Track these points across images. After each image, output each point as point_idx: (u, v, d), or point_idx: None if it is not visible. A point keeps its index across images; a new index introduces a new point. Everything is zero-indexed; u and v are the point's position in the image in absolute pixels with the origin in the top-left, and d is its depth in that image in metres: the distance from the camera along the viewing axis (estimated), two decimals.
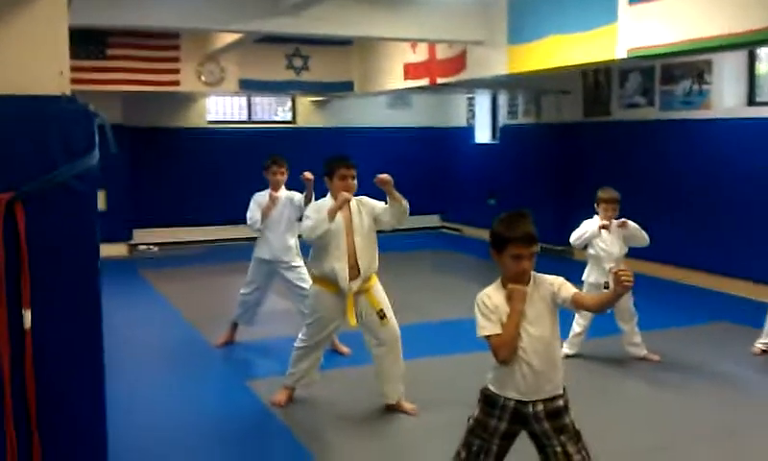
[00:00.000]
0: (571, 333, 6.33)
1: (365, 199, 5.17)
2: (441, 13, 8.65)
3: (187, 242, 13.16)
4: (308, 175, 6.18)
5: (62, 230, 3.07)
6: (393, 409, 5.17)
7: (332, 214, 4.93)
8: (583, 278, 6.27)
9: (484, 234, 15.00)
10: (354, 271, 4.99)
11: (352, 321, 5.07)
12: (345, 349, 6.44)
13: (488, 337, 3.26)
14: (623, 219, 6.23)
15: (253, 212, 6.65)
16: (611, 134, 10.79)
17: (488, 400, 3.37)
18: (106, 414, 3.19)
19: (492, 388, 3.36)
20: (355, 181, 5.08)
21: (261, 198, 6.70)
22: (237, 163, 13.48)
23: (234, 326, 6.92)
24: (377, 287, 5.15)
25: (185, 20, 8.26)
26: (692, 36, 6.41)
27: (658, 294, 8.55)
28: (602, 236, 6.19)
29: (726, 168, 9.02)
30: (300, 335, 5.30)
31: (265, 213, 6.58)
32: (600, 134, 11.02)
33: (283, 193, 6.66)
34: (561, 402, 3.29)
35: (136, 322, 7.68)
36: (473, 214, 14.21)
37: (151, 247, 12.65)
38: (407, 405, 5.18)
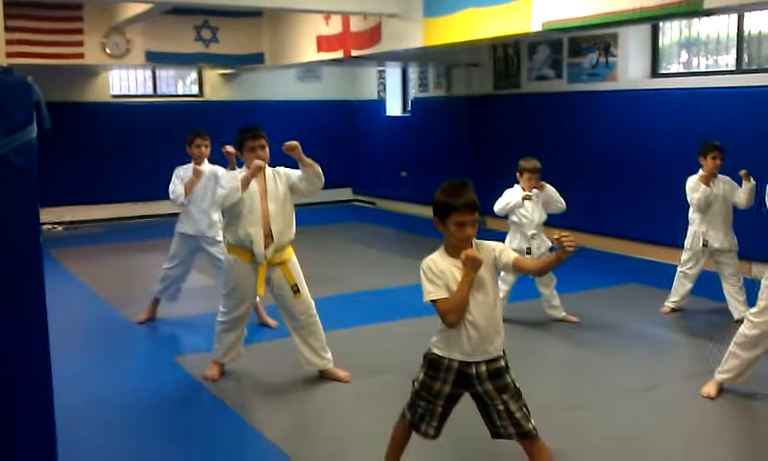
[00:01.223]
0: None
1: (281, 169, 5.18)
2: None
3: (93, 220, 12.78)
4: (230, 148, 6.07)
5: (2, 204, 2.95)
6: (326, 377, 5.22)
7: (245, 183, 4.94)
8: (505, 244, 6.44)
9: (397, 207, 15.30)
10: (268, 238, 5.00)
11: (260, 290, 5.08)
12: (272, 322, 6.44)
13: (434, 301, 3.35)
14: (542, 182, 6.45)
15: (176, 186, 6.52)
16: (520, 107, 11.06)
17: (432, 363, 3.48)
18: (53, 395, 3.11)
19: (436, 351, 3.47)
20: (266, 151, 5.09)
21: (183, 172, 6.58)
22: (143, 139, 13.16)
23: (156, 301, 6.81)
24: (293, 261, 5.17)
25: None
26: (606, 9, 6.64)
27: (572, 259, 8.85)
28: (524, 205, 6.38)
29: (631, 138, 9.41)
30: (220, 308, 5.29)
31: (188, 187, 6.47)
32: (510, 107, 11.28)
33: (207, 167, 6.56)
34: (502, 363, 3.43)
35: (50, 302, 7.41)
36: (386, 187, 14.35)
37: (55, 226, 12.20)
38: (340, 372, 5.24)
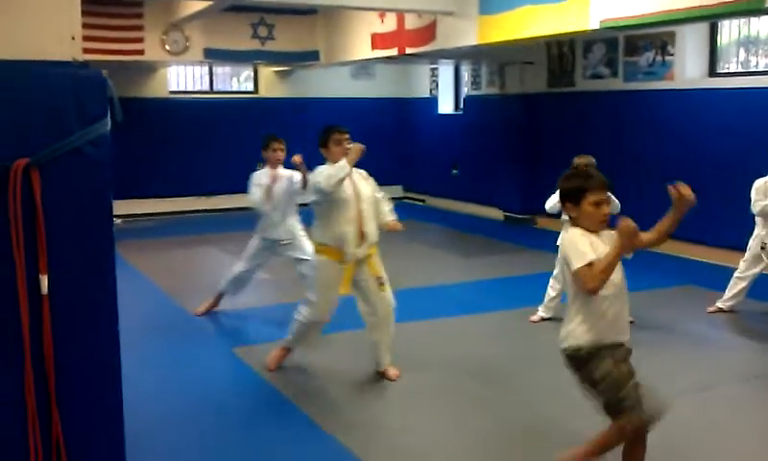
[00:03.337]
0: (546, 297, 6.53)
1: (364, 172, 5.27)
2: None
3: (150, 214, 13.07)
4: (297, 158, 6.07)
5: (78, 195, 3.07)
6: (380, 375, 5.29)
7: (352, 161, 4.99)
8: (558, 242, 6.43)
9: (447, 204, 15.28)
10: (360, 238, 5.07)
11: (346, 289, 5.12)
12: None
13: (582, 268, 3.25)
14: None
15: (255, 194, 6.52)
16: (574, 105, 10.98)
17: (589, 356, 3.37)
18: (121, 379, 3.23)
19: (584, 346, 3.36)
20: (351, 144, 5.13)
21: (259, 178, 6.60)
22: (199, 134, 13.41)
23: (220, 296, 6.92)
24: (377, 257, 5.23)
25: None
26: (664, 7, 6.58)
27: (627, 260, 8.79)
28: None
29: (688, 138, 9.28)
30: (303, 309, 5.26)
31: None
32: (564, 105, 11.21)
33: (283, 172, 6.58)
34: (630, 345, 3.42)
35: None
36: (437, 184, 14.37)
37: (114, 219, 12.47)
38: (390, 371, 5.30)
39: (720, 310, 6.75)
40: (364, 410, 4.86)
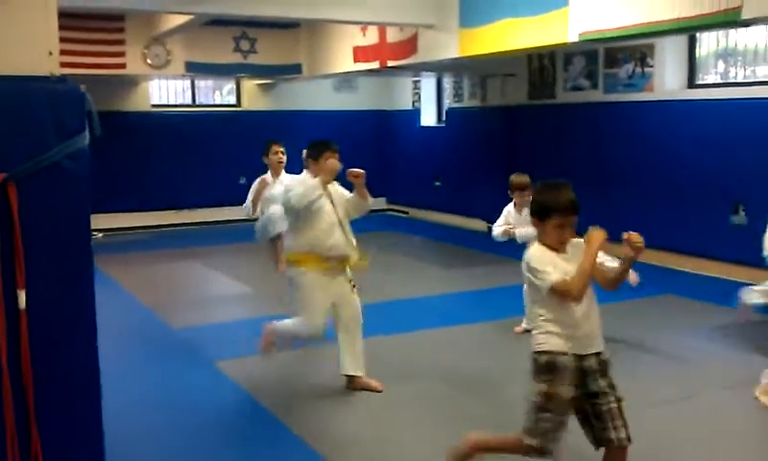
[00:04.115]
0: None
1: (336, 184, 5.26)
2: None
3: (132, 228, 13.01)
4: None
5: (56, 209, 3.07)
6: (355, 387, 5.24)
7: (326, 182, 4.99)
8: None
9: (431, 216, 15.26)
10: (339, 245, 5.12)
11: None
12: None
13: (554, 285, 3.25)
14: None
15: (246, 202, 6.60)
16: (555, 117, 11.06)
17: (548, 366, 3.33)
18: (101, 394, 3.21)
19: (548, 349, 3.33)
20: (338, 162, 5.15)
21: (255, 185, 6.64)
22: (182, 148, 13.39)
23: None
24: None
25: (131, 1, 8.18)
26: (643, 19, 6.65)
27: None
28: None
29: (667, 149, 9.36)
30: (297, 321, 5.22)
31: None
32: (545, 117, 11.28)
33: (285, 177, 6.59)
34: (607, 355, 3.40)
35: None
36: (420, 196, 14.41)
37: (95, 234, 12.41)
38: (372, 382, 5.27)
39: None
40: (344, 421, 4.85)
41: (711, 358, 6.04)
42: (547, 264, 3.28)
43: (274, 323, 5.36)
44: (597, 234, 3.25)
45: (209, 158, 13.42)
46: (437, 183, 13.92)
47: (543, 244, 3.37)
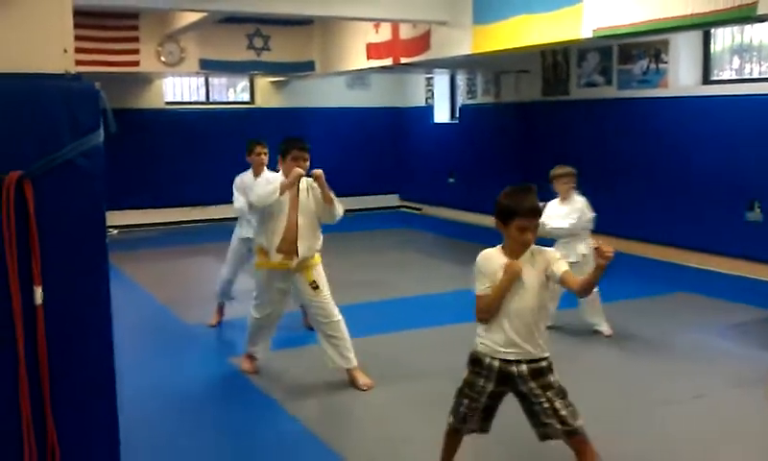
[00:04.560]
0: None
1: (315, 184, 5.22)
2: None
3: (147, 224, 13.08)
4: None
5: (71, 207, 3.08)
6: (349, 380, 5.26)
7: (285, 188, 5.04)
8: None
9: (444, 213, 15.26)
10: (293, 248, 5.10)
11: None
12: None
13: (476, 294, 3.53)
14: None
15: (238, 201, 6.62)
16: (569, 113, 11.02)
17: (475, 360, 3.59)
18: (116, 387, 3.24)
19: (479, 348, 3.58)
20: (307, 163, 5.17)
21: (241, 181, 6.67)
22: (195, 145, 13.44)
23: (220, 307, 6.93)
24: (318, 268, 5.24)
25: None
26: (657, 15, 6.61)
27: (614, 268, 8.80)
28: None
29: (682, 145, 9.31)
30: (252, 311, 5.40)
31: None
32: (558, 113, 11.25)
33: (267, 175, 6.61)
34: (544, 364, 3.49)
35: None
36: (433, 193, 14.40)
37: (110, 230, 12.49)
38: (360, 379, 5.23)
39: None
40: (357, 417, 4.88)
41: (725, 356, 6.00)
42: (485, 275, 3.50)
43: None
44: (513, 269, 3.42)
45: (223, 156, 13.41)
46: (450, 180, 13.91)
47: (503, 248, 3.52)
